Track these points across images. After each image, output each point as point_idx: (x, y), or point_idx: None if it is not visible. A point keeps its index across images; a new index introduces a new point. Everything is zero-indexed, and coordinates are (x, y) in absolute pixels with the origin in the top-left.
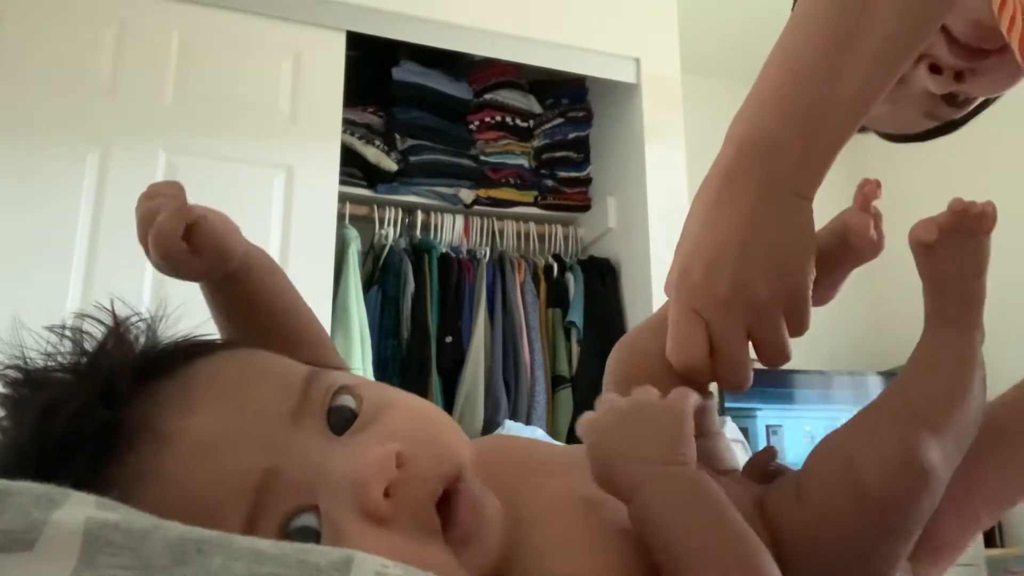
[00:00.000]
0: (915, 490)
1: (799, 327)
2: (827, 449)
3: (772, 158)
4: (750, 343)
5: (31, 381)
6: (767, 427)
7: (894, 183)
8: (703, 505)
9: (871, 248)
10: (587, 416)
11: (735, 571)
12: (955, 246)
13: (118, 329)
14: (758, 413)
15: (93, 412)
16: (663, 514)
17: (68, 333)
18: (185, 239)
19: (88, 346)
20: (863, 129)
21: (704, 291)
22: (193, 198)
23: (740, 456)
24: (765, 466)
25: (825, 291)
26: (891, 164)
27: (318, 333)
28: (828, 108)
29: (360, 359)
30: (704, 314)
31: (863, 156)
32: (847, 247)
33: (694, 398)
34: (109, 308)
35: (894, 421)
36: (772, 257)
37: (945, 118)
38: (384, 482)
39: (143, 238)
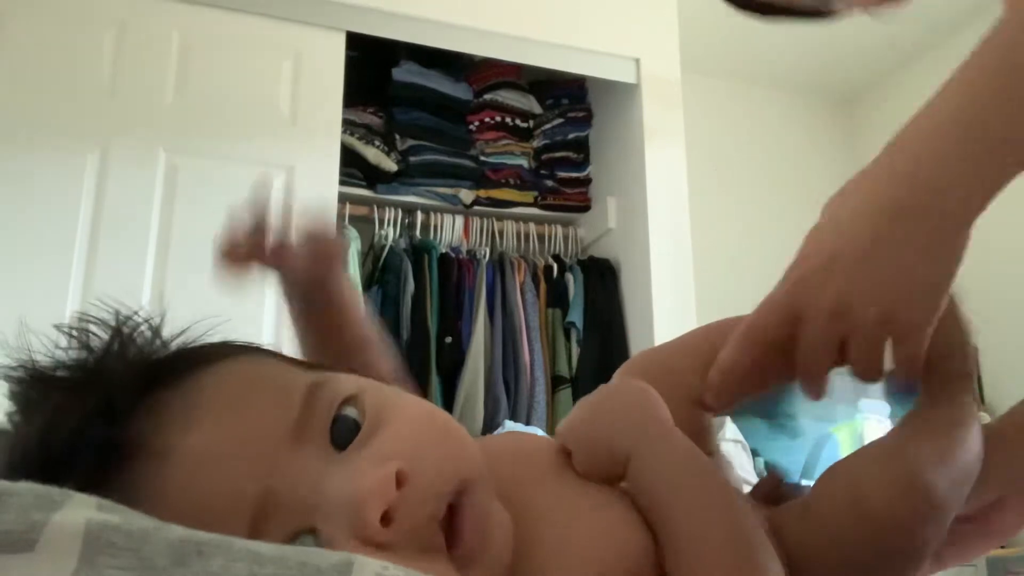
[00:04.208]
0: (918, 512)
1: (908, 368)
2: (834, 471)
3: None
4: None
5: (38, 382)
6: None
7: None
8: (692, 466)
9: None
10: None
11: (724, 528)
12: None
13: (122, 333)
14: None
15: (93, 429)
16: (656, 479)
17: (74, 333)
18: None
19: (94, 345)
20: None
21: (811, 289)
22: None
23: (740, 457)
24: (773, 490)
25: None
26: None
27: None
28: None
29: None
30: (800, 313)
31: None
32: None
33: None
34: (113, 309)
35: (899, 450)
36: (900, 284)
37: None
38: (382, 507)
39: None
